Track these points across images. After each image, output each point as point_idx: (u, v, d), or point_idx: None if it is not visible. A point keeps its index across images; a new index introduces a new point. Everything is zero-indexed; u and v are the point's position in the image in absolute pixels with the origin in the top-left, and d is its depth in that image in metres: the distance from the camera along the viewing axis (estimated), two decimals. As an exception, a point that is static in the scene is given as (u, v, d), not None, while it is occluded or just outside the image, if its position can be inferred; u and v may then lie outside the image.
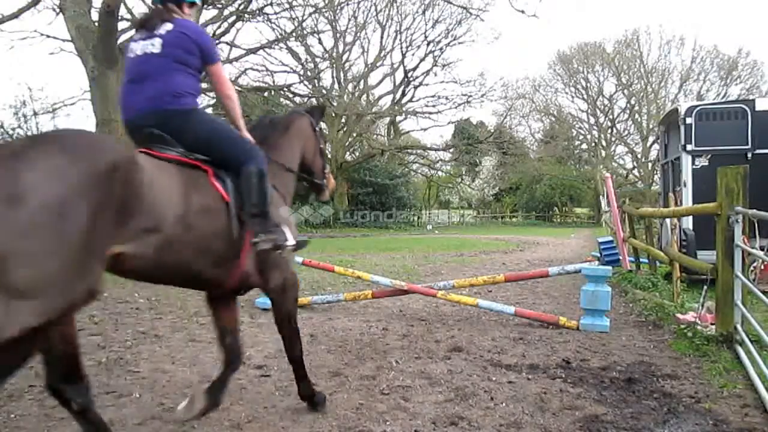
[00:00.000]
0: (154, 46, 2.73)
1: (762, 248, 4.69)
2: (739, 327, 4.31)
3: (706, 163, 8.23)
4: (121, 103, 2.83)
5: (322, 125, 3.80)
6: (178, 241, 2.39)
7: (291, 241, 2.80)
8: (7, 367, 1.98)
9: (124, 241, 2.18)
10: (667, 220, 8.18)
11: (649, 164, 40.15)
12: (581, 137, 47.75)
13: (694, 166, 8.35)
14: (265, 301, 6.31)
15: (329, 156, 33.71)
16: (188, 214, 2.43)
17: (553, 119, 46.81)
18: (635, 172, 44.53)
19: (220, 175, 2.71)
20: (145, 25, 2.85)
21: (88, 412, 2.42)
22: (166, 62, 2.72)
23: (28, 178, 1.86)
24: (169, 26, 2.78)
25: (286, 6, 20.21)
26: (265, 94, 27.66)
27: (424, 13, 32.37)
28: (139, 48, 2.78)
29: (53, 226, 1.87)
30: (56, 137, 2.14)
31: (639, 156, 43.28)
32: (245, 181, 2.72)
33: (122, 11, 13.99)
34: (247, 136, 3.03)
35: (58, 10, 13.22)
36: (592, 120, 45.66)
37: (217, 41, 19.75)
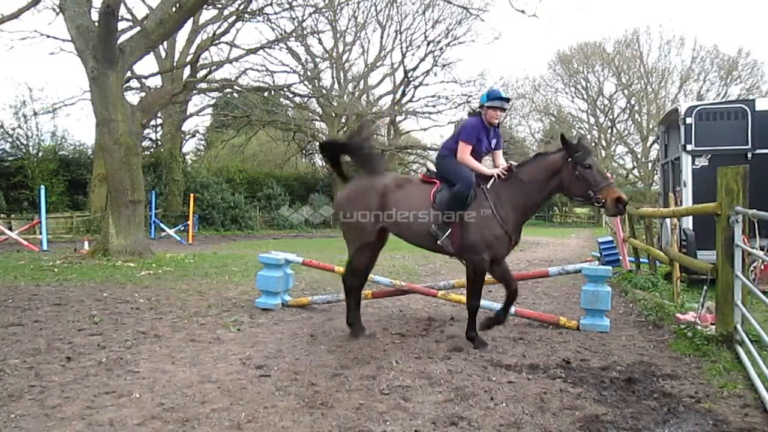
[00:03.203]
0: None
1: (762, 248, 4.70)
2: (739, 327, 4.31)
3: (706, 163, 8.23)
4: None
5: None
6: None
7: (441, 240, 4.75)
8: None
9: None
10: (667, 220, 8.18)
11: (649, 164, 40.14)
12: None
13: (694, 166, 8.35)
14: (265, 301, 6.32)
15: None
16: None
17: (553, 119, 46.79)
18: (635, 172, 44.52)
19: (441, 187, 4.79)
20: None
21: None
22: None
23: None
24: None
25: (286, 6, 20.21)
26: (265, 94, 27.69)
27: (424, 13, 32.34)
28: None
29: None
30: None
31: (639, 156, 43.26)
32: (446, 192, 4.73)
33: (122, 11, 14.01)
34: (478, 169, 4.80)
35: (58, 10, 13.22)
36: (592, 120, 45.65)
37: (217, 41, 19.77)
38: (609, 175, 4.62)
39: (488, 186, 4.77)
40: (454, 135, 5.02)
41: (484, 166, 4.93)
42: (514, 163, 4.89)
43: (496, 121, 4.92)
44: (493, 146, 5.01)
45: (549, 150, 4.86)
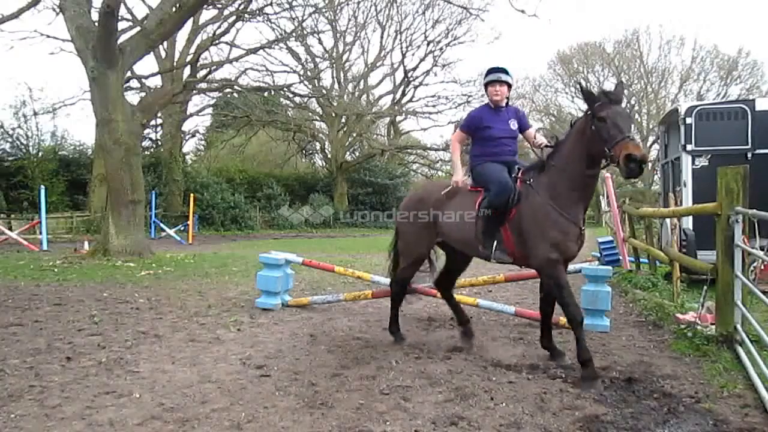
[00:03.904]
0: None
1: (762, 248, 4.69)
2: (739, 327, 4.31)
3: (706, 163, 8.23)
4: None
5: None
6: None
7: (492, 253, 4.33)
8: None
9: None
10: (667, 220, 8.18)
11: (649, 164, 40.14)
12: (581, 137, 47.70)
13: (694, 166, 8.34)
14: (265, 301, 6.32)
15: (329, 156, 33.76)
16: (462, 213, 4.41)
17: (553, 119, 46.77)
18: (635, 172, 44.48)
19: (484, 195, 4.31)
20: None
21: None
22: None
23: None
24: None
25: (286, 6, 20.24)
26: (265, 94, 27.69)
27: (424, 13, 32.38)
28: None
29: None
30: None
31: (639, 156, 43.22)
32: (485, 199, 4.27)
33: (122, 11, 14.01)
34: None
35: (58, 10, 13.22)
36: (592, 120, 45.61)
37: (217, 41, 19.76)
38: (631, 127, 3.72)
39: (534, 177, 4.17)
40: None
41: (458, 163, 4.62)
42: (544, 141, 4.44)
43: (499, 98, 4.44)
44: (515, 127, 4.52)
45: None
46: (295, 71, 29.34)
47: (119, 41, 12.06)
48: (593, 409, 3.28)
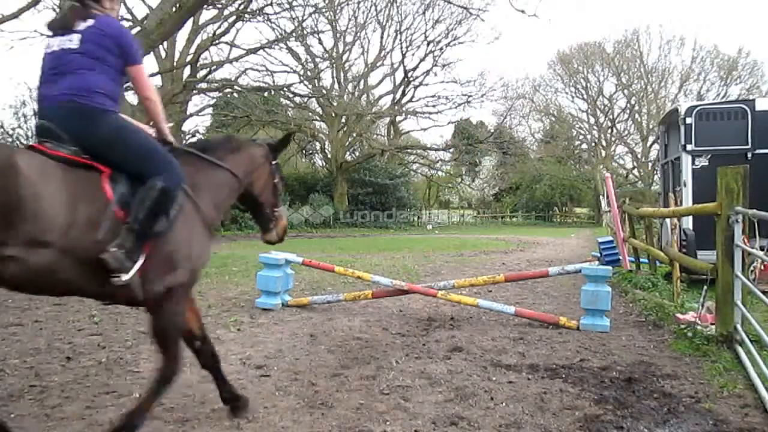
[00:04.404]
0: (72, 41, 2.59)
1: (762, 248, 4.69)
2: (739, 327, 4.31)
3: (706, 163, 8.23)
4: (36, 100, 2.68)
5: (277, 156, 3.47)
6: (62, 253, 2.26)
7: (125, 277, 2.39)
8: None
9: (10, 249, 2.15)
10: (667, 220, 8.18)
11: (649, 164, 40.14)
12: (581, 137, 47.73)
13: (694, 166, 8.35)
14: (265, 301, 6.32)
15: (329, 156, 33.75)
16: (74, 224, 2.30)
17: (553, 119, 46.78)
18: (635, 172, 44.51)
19: (115, 177, 2.52)
20: (63, 23, 2.68)
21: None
22: (83, 58, 2.56)
23: None
24: (90, 22, 2.64)
25: (286, 6, 20.25)
26: (265, 94, 27.69)
27: (424, 13, 32.36)
28: (56, 43, 2.62)
29: None
30: None
31: (639, 156, 43.26)
32: (142, 193, 2.50)
33: (122, 11, 14.01)
34: (171, 139, 2.93)
35: (58, 10, 13.21)
36: (592, 120, 45.64)
37: (217, 41, 19.76)
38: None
39: None
40: (112, 55, 2.70)
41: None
42: None
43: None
44: None
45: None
46: (295, 71, 29.35)
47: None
48: (593, 409, 3.28)
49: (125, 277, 2.39)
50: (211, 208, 2.90)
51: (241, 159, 3.16)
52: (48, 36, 2.70)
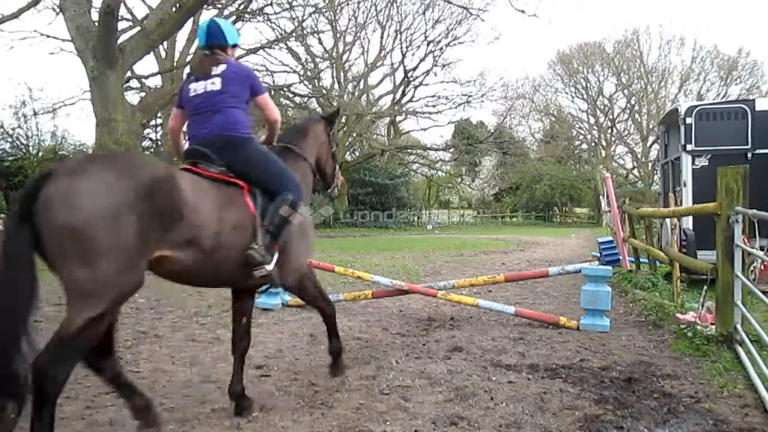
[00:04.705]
0: (215, 84, 3.17)
1: (762, 248, 4.69)
2: (739, 327, 4.31)
3: (706, 163, 8.23)
4: (187, 134, 3.29)
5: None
6: (212, 252, 2.76)
7: (269, 267, 3.01)
8: (76, 353, 2.41)
9: (169, 248, 2.59)
10: (667, 220, 8.18)
11: (649, 164, 40.13)
12: (581, 137, 47.71)
13: (694, 166, 8.35)
14: (265, 301, 6.32)
15: (329, 156, 33.69)
16: (222, 228, 2.82)
17: (553, 119, 46.75)
18: (635, 172, 44.50)
19: (254, 192, 3.09)
20: (203, 70, 3.25)
21: (118, 378, 2.89)
22: (226, 98, 3.14)
23: (84, 190, 2.29)
24: (223, 67, 3.22)
25: (286, 6, 20.23)
26: (265, 94, 27.62)
27: (424, 13, 32.33)
28: (201, 87, 3.19)
29: (107, 231, 2.29)
30: (107, 156, 2.88)
31: (639, 156, 43.25)
32: (277, 204, 3.10)
33: (122, 11, 14.01)
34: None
35: (58, 10, 13.21)
36: (592, 120, 45.63)
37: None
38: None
39: None
40: (245, 92, 3.32)
41: None
42: None
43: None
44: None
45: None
46: (295, 71, 29.33)
47: (119, 41, 12.06)
48: (593, 409, 3.28)
49: (269, 267, 2.99)
50: (308, 196, 3.67)
51: (309, 141, 3.81)
52: (191, 81, 3.27)
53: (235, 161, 3.06)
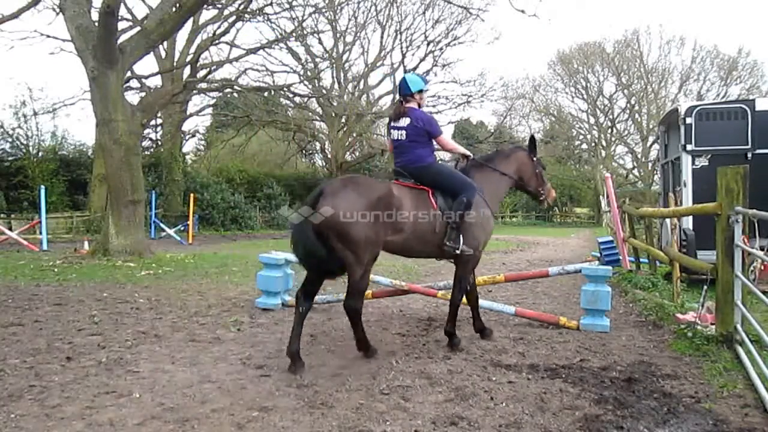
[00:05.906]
0: (401, 135, 4.61)
1: (762, 248, 4.69)
2: (739, 327, 4.31)
3: (706, 163, 8.23)
4: (393, 160, 4.74)
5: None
6: (411, 234, 4.36)
7: (461, 248, 4.50)
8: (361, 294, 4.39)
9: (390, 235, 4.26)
10: (667, 220, 8.18)
11: (649, 164, 40.13)
12: (581, 137, 47.72)
13: (694, 166, 8.35)
14: (265, 301, 6.32)
15: (329, 156, 33.74)
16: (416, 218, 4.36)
17: (553, 119, 46.76)
18: (635, 172, 44.50)
19: (436, 194, 4.51)
20: (396, 115, 4.66)
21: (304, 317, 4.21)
22: (410, 143, 4.58)
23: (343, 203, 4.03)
24: (408, 120, 4.58)
25: (286, 6, 20.23)
26: (265, 94, 27.65)
27: (424, 13, 32.28)
28: (396, 134, 4.65)
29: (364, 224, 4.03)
30: (353, 180, 4.37)
31: (639, 156, 43.25)
32: (457, 204, 4.45)
33: (122, 11, 14.01)
34: (468, 153, 5.05)
35: (58, 10, 13.21)
36: (592, 120, 45.63)
37: (217, 41, 19.75)
38: None
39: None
40: (424, 136, 4.62)
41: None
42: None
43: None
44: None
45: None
46: (295, 71, 29.29)
47: (119, 41, 12.05)
48: (593, 409, 3.28)
49: (458, 251, 4.51)
50: (494, 201, 5.00)
51: (511, 162, 5.17)
52: (391, 124, 4.72)
53: (421, 178, 4.55)
